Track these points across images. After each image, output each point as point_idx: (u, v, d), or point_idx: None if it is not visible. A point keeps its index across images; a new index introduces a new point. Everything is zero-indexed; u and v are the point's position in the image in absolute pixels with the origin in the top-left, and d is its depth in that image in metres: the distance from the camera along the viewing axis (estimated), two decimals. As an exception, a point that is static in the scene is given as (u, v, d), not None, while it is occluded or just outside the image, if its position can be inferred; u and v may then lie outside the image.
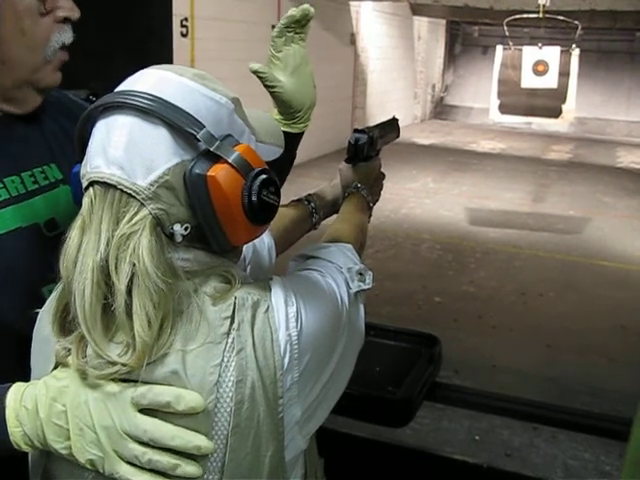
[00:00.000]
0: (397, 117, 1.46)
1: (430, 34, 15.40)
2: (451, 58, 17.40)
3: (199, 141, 0.77)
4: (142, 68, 0.84)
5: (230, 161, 0.77)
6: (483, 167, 10.87)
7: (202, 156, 0.77)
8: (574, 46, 8.45)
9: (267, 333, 0.80)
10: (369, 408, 1.59)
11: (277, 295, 0.83)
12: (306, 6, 1.09)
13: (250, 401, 0.78)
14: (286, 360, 0.80)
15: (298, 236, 1.27)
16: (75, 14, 1.02)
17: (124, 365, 0.76)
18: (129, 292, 0.75)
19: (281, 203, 0.85)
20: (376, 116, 11.84)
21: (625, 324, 4.63)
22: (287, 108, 1.14)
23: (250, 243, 0.97)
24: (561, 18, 8.50)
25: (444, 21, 15.79)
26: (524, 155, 12.27)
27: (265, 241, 1.15)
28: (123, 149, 0.76)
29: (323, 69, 8.49)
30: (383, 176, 1.36)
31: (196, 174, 0.76)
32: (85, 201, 0.79)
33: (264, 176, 0.79)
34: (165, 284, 0.75)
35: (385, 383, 1.65)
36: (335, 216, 1.24)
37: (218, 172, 0.76)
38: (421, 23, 14.68)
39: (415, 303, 4.98)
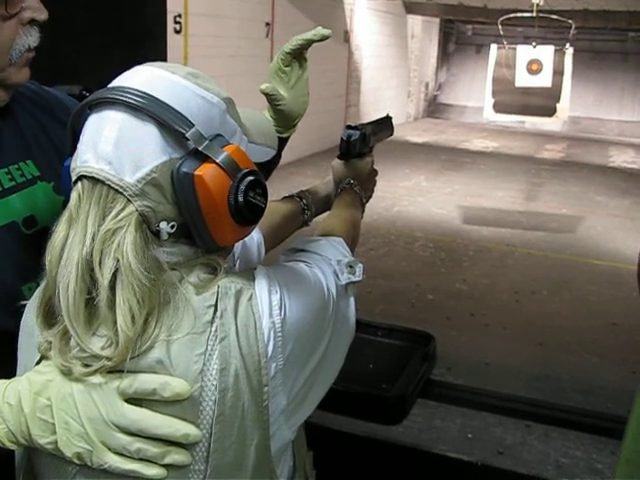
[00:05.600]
0: (391, 115, 1.46)
1: (424, 32, 15.40)
2: (445, 57, 17.41)
3: (188, 140, 0.77)
4: (136, 64, 0.84)
5: (218, 161, 0.77)
6: (476, 166, 10.88)
7: (190, 155, 0.78)
8: (568, 45, 8.48)
9: (250, 321, 0.80)
10: (363, 406, 1.59)
11: (261, 283, 0.83)
12: (327, 32, 1.09)
13: (234, 389, 0.78)
14: (270, 347, 0.80)
15: (289, 232, 1.27)
16: (42, 15, 0.97)
17: (108, 359, 0.75)
18: (112, 287, 0.75)
19: (272, 200, 0.84)
20: (370, 114, 11.83)
21: (617, 322, 4.65)
22: (285, 120, 1.15)
23: None
24: (555, 17, 8.52)
25: (438, 20, 15.79)
26: (517, 154, 12.29)
27: (254, 237, 1.15)
28: (113, 145, 0.76)
29: (317, 66, 8.42)
30: (376, 173, 1.36)
31: (183, 173, 0.77)
32: (73, 195, 0.79)
33: (252, 177, 0.80)
34: (149, 280, 0.75)
35: (379, 380, 1.65)
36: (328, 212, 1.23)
37: (205, 171, 0.77)
38: (415, 21, 14.68)
39: (408, 301, 4.98)
